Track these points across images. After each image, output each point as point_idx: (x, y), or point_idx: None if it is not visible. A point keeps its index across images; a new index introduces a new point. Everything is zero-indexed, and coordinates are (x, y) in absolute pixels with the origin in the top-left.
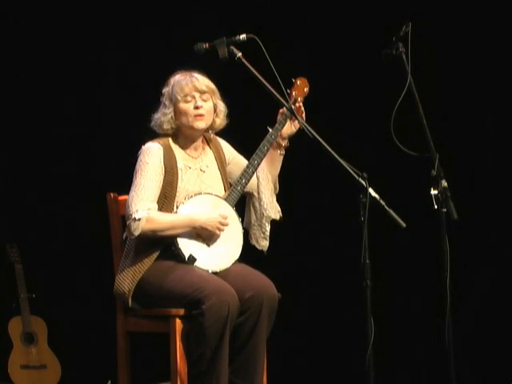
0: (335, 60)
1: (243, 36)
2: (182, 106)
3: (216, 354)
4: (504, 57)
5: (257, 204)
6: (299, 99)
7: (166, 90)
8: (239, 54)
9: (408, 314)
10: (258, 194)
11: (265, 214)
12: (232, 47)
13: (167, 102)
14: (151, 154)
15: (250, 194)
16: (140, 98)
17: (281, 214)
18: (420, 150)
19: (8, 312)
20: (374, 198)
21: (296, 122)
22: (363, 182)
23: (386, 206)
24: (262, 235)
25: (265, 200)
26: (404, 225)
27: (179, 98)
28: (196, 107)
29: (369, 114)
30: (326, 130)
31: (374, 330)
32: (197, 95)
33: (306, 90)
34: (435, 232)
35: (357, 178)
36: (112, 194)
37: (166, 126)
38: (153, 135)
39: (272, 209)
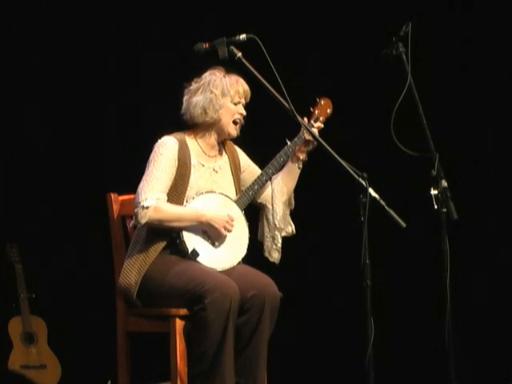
0: (335, 60)
1: (243, 36)
2: (230, 105)
3: (220, 350)
4: (504, 56)
5: (270, 216)
6: (321, 119)
7: (212, 78)
8: (239, 54)
9: (408, 313)
10: (272, 205)
11: (277, 226)
12: (232, 47)
13: (216, 91)
14: (166, 147)
15: (264, 206)
16: (140, 98)
17: (293, 228)
18: (420, 150)
19: (8, 312)
20: (374, 197)
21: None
22: (363, 182)
23: (386, 206)
24: (274, 247)
25: (278, 212)
26: (404, 225)
27: (230, 96)
28: (241, 114)
29: (369, 114)
30: (325, 129)
31: (373, 329)
32: (242, 102)
33: (329, 111)
34: (435, 232)
35: (357, 178)
36: (112, 194)
37: (212, 114)
38: (154, 134)
39: (285, 221)
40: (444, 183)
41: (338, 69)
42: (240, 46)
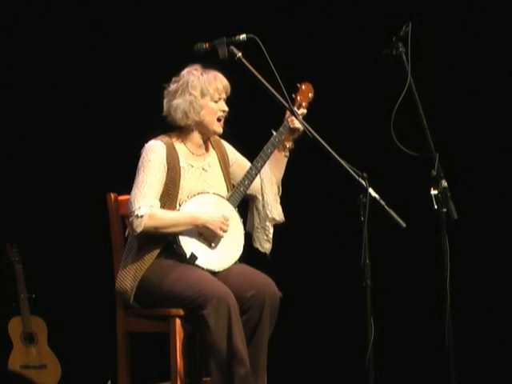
0: (335, 60)
1: (243, 36)
2: (211, 104)
3: (232, 350)
4: (504, 56)
5: (260, 206)
6: (303, 104)
7: (190, 79)
8: (239, 54)
9: (408, 314)
10: (262, 195)
11: (269, 216)
12: (232, 47)
13: (195, 92)
14: (154, 152)
15: (254, 197)
16: (140, 98)
17: (283, 217)
18: (420, 150)
19: (8, 312)
20: (374, 197)
21: (295, 123)
22: (363, 182)
23: (386, 206)
24: (265, 238)
25: (269, 202)
26: (404, 225)
27: (210, 95)
28: (223, 111)
29: (369, 114)
30: (325, 130)
31: (373, 329)
32: (223, 97)
33: (310, 95)
34: (435, 232)
35: (357, 178)
36: (112, 194)
37: (193, 116)
38: (154, 134)
39: (275, 211)
40: (444, 183)
41: (338, 69)
42: (240, 45)
